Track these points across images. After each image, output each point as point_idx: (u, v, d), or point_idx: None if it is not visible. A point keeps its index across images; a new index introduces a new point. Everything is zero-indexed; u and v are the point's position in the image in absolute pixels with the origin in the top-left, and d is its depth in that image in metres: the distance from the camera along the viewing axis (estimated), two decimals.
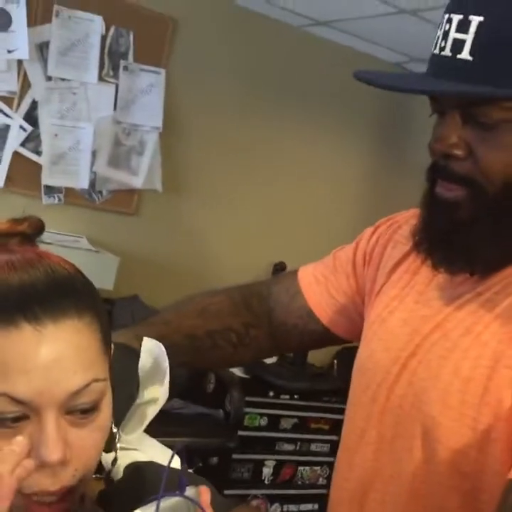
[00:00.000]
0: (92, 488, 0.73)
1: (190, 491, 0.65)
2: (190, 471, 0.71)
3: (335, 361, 3.34)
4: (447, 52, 0.83)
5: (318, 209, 3.35)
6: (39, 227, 0.72)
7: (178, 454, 0.64)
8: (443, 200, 0.90)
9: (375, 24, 2.84)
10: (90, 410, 0.65)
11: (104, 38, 2.77)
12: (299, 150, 3.28)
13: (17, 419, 0.62)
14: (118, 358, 0.76)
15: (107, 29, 2.77)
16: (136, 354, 0.88)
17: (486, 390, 0.85)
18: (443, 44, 0.84)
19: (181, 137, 3.00)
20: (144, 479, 0.74)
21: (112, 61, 2.81)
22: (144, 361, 0.86)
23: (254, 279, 3.61)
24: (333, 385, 3.07)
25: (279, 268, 3.12)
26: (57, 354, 0.62)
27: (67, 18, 2.68)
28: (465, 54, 0.81)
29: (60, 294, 0.64)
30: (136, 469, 0.76)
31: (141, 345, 0.90)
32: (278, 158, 3.24)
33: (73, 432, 0.64)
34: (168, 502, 0.63)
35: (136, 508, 0.61)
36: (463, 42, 0.81)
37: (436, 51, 0.85)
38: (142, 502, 0.62)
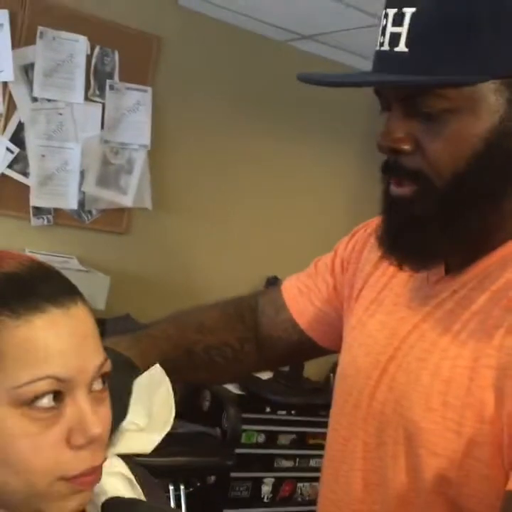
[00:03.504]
0: None
1: None
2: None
3: (331, 375, 3.29)
4: (386, 46, 0.82)
5: (307, 222, 3.35)
6: None
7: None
8: (396, 197, 0.88)
9: (360, 36, 2.84)
10: (104, 385, 0.70)
11: (89, 58, 2.77)
12: (286, 164, 3.28)
13: (56, 400, 0.64)
14: (118, 371, 0.76)
15: (92, 49, 2.77)
16: (136, 373, 0.89)
17: (468, 391, 0.81)
18: (382, 39, 0.83)
19: (169, 154, 2.99)
20: None
21: (97, 81, 2.80)
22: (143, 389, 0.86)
23: None
24: (330, 399, 3.03)
25: (273, 282, 3.10)
26: (83, 332, 0.67)
27: (51, 39, 2.68)
28: (401, 46, 0.80)
29: (67, 281, 0.69)
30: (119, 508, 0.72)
31: (143, 364, 0.91)
32: (266, 174, 3.24)
33: (97, 408, 0.68)
34: None
35: None
36: (399, 35, 0.80)
37: (377, 47, 0.85)
38: None
